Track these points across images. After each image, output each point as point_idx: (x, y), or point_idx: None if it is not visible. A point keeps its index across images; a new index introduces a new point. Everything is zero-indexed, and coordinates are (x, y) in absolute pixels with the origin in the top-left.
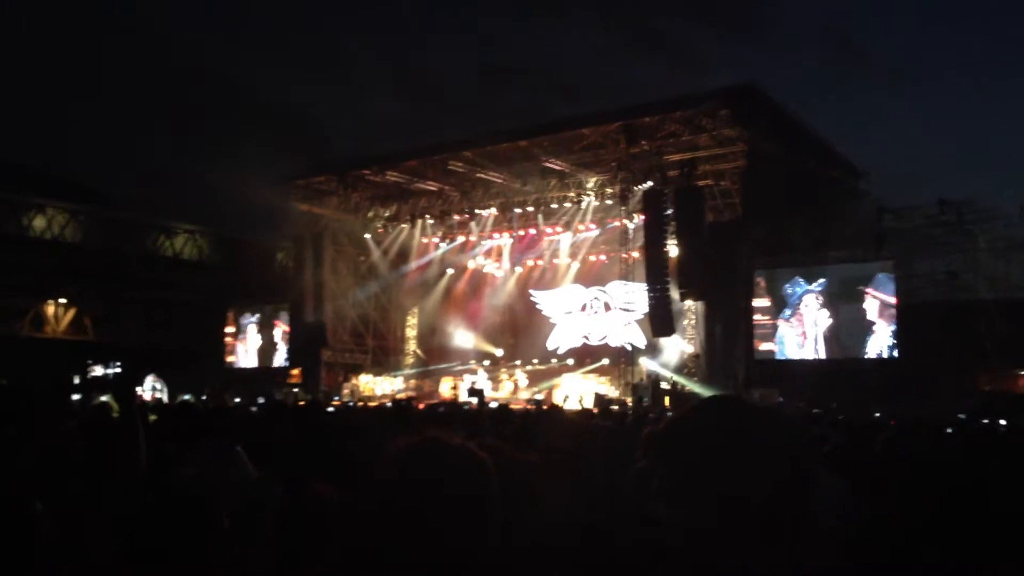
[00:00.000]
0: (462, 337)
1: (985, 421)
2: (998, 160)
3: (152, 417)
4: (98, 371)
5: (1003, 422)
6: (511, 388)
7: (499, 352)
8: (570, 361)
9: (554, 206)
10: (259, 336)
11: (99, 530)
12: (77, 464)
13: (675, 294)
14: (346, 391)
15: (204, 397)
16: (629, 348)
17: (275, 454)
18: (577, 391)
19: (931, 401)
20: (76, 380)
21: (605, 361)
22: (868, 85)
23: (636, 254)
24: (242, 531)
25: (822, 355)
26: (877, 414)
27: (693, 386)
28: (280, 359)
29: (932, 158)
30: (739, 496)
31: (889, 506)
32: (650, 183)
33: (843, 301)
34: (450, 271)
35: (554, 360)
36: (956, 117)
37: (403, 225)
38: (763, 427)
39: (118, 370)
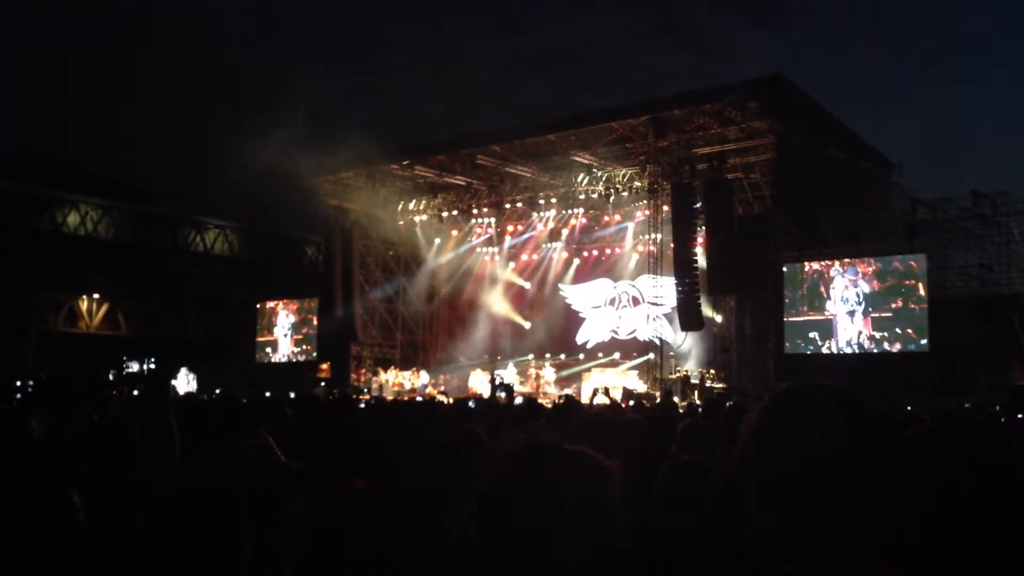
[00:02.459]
0: (490, 331)
1: (1020, 416)
2: None
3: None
4: (134, 367)
5: None
6: (539, 382)
7: (527, 346)
8: (599, 355)
9: (583, 199)
10: (289, 330)
11: (131, 522)
12: (111, 456)
13: (704, 288)
14: (375, 385)
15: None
16: (658, 342)
17: (308, 448)
18: (605, 385)
19: (964, 395)
20: (111, 374)
21: (634, 356)
22: (899, 75)
23: (665, 248)
24: (266, 517)
25: (853, 348)
26: (908, 407)
27: (722, 380)
28: (310, 353)
29: (966, 149)
30: (848, 492)
31: (919, 499)
32: (679, 176)
33: (876, 294)
34: (478, 265)
35: (582, 354)
36: (990, 107)
37: (432, 219)
38: (858, 414)
39: (153, 366)
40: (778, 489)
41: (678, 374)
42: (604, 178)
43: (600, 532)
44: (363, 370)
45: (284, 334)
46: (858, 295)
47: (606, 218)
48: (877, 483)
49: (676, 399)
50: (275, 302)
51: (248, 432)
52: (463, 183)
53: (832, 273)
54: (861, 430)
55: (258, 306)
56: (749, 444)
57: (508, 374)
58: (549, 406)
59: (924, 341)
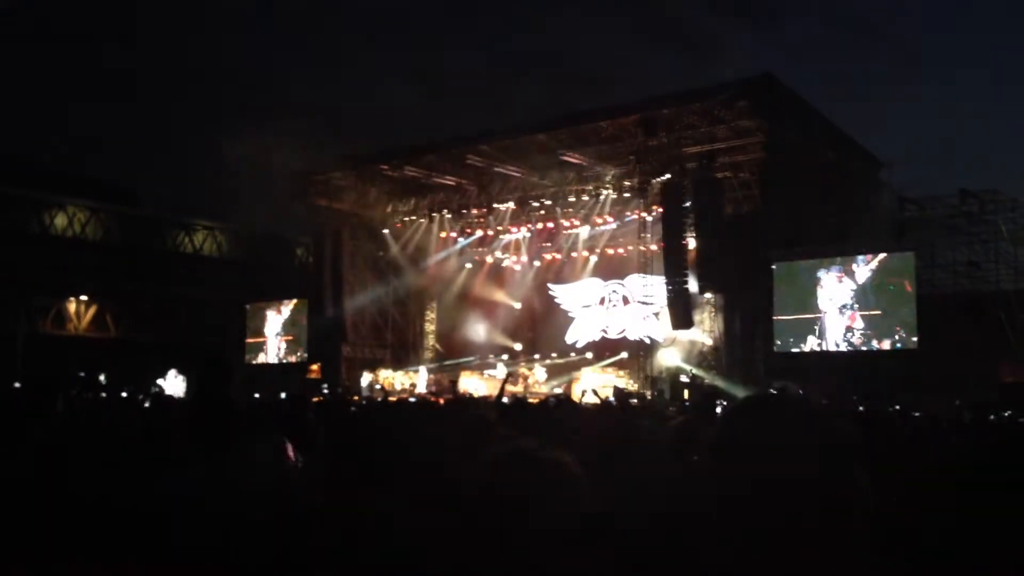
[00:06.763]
0: (481, 332)
1: (1007, 413)
2: (1021, 149)
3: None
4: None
5: None
6: (530, 382)
7: (518, 346)
8: (589, 355)
9: (572, 199)
10: (278, 332)
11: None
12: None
13: (694, 287)
14: (365, 386)
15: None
16: (648, 341)
17: (302, 451)
18: (596, 385)
19: (952, 392)
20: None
21: (624, 355)
22: (888, 74)
23: (655, 247)
24: (283, 527)
25: (842, 346)
26: (897, 406)
27: (712, 379)
28: (300, 355)
29: (954, 148)
30: (791, 492)
31: (910, 497)
32: (668, 175)
33: (865, 291)
34: (468, 265)
35: (573, 354)
36: (979, 106)
37: (421, 220)
38: (808, 425)
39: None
40: (737, 499)
41: (668, 373)
42: (594, 177)
43: (570, 531)
44: (354, 370)
45: (274, 335)
46: (847, 293)
47: (596, 217)
48: (835, 496)
49: (667, 398)
50: (265, 303)
51: (263, 435)
52: (453, 183)
53: (821, 271)
54: (816, 442)
55: (248, 307)
56: (709, 454)
57: (498, 374)
58: (538, 406)
59: (913, 338)
